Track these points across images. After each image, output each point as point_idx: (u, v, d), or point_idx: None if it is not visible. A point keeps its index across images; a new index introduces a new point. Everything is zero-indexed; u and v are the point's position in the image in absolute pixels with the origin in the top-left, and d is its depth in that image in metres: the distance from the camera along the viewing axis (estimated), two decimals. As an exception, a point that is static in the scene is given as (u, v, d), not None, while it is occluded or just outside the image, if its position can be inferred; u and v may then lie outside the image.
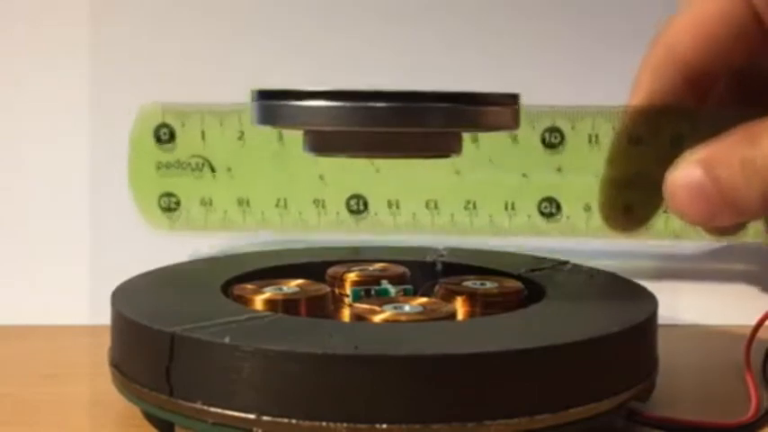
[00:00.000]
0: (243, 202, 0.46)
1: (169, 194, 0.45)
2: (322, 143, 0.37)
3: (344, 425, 0.30)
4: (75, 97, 0.51)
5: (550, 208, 0.44)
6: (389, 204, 0.46)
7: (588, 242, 0.46)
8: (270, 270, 0.42)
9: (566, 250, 0.46)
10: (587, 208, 0.43)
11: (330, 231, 0.47)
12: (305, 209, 0.46)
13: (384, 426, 0.30)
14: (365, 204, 0.46)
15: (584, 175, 0.43)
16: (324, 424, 0.30)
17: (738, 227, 0.40)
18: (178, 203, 0.45)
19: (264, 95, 0.36)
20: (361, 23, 0.53)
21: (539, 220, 0.44)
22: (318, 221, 0.46)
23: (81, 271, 0.50)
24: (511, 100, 0.37)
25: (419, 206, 0.46)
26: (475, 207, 0.45)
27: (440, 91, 0.35)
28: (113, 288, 0.39)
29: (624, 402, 0.34)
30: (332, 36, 0.53)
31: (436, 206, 0.45)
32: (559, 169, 0.43)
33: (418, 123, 0.35)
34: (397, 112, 0.34)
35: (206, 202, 0.46)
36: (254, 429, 0.31)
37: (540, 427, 0.31)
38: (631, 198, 0.40)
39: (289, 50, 0.52)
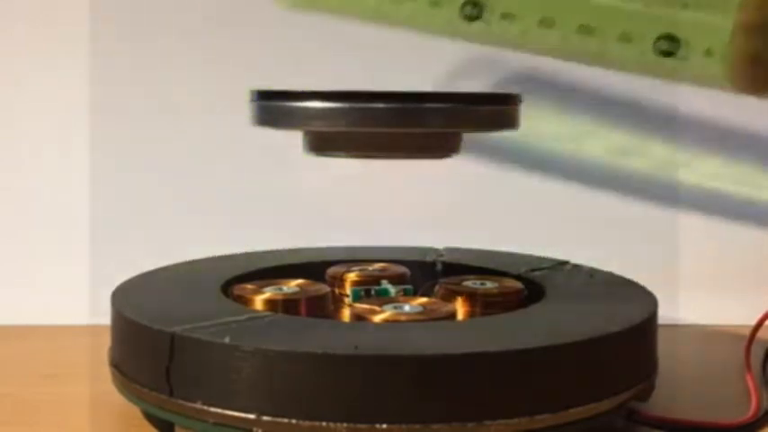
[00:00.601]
0: None
1: None
2: (322, 143, 0.37)
3: (344, 425, 0.30)
4: (75, 97, 0.51)
5: (668, 46, 0.40)
6: (503, 16, 0.43)
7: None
8: (270, 270, 0.42)
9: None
10: (709, 53, 0.40)
11: (440, 33, 0.45)
12: (419, 6, 0.44)
13: (384, 426, 0.30)
14: (479, 12, 0.43)
15: (713, 14, 0.39)
16: (324, 424, 0.30)
17: None
18: None
19: (264, 96, 0.36)
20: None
21: (652, 57, 0.41)
22: (431, 21, 0.44)
23: (81, 271, 0.50)
24: (511, 100, 0.37)
25: (532, 23, 0.43)
26: (588, 32, 0.42)
27: (439, 92, 0.35)
28: (113, 288, 0.39)
29: (624, 402, 0.34)
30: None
31: (552, 24, 0.42)
32: (686, 5, 0.40)
33: (418, 124, 0.35)
34: (397, 113, 0.34)
35: None
36: (254, 429, 0.31)
37: (540, 427, 0.31)
38: (763, 49, 0.37)
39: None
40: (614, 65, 0.42)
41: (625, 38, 0.40)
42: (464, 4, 0.44)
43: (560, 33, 0.42)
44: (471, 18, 0.43)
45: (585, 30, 0.42)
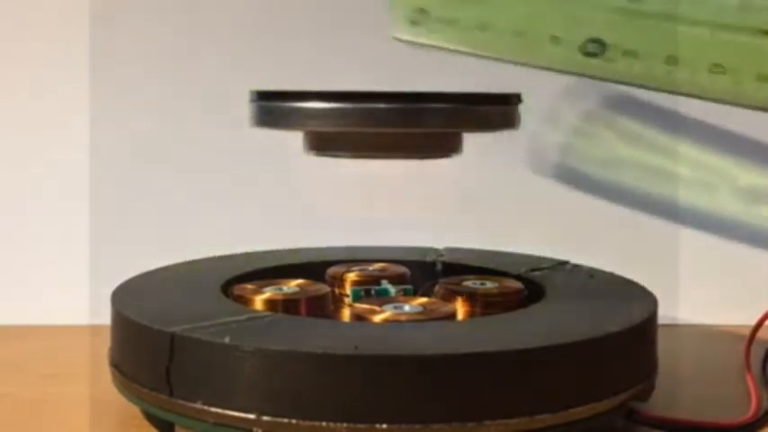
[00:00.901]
0: (484, 26, 0.44)
1: (421, 10, 0.45)
2: (322, 143, 0.37)
3: (344, 425, 0.30)
4: (76, 96, 0.51)
5: None
6: (625, 53, 0.42)
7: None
8: (270, 270, 0.42)
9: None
10: None
11: (561, 68, 0.44)
12: (540, 43, 0.43)
13: (384, 426, 0.30)
14: (602, 48, 0.43)
15: None
16: (324, 424, 0.30)
17: None
18: (425, 17, 0.45)
19: (264, 96, 0.36)
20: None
21: None
22: (552, 56, 0.43)
23: (81, 271, 0.50)
24: (511, 100, 0.37)
25: (658, 60, 0.42)
26: (723, 71, 0.41)
27: (439, 92, 0.35)
28: (113, 288, 0.39)
29: (624, 402, 0.34)
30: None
31: (676, 62, 0.41)
32: None
33: (418, 124, 0.35)
34: (397, 113, 0.34)
35: (451, 21, 0.45)
36: (254, 429, 0.31)
37: (540, 427, 0.31)
38: None
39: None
40: (748, 105, 0.40)
41: (763, 78, 0.39)
42: (586, 42, 0.43)
43: (688, 70, 0.41)
44: (593, 55, 0.43)
45: (718, 68, 0.41)
